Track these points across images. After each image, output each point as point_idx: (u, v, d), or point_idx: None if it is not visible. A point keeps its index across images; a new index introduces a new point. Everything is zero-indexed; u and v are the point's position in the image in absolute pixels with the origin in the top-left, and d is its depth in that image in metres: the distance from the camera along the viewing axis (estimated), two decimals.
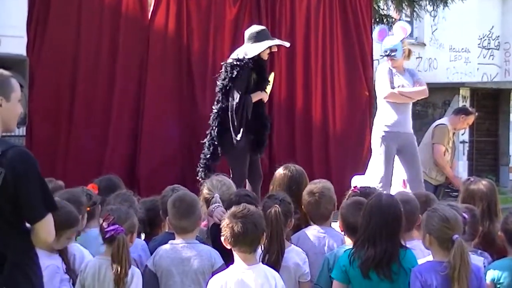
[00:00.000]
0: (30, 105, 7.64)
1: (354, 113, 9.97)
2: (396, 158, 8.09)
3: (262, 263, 4.32)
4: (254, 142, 7.66)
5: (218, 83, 7.53)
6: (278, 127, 9.40)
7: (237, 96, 7.35)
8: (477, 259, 4.55)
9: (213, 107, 7.59)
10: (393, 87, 7.90)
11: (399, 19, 15.34)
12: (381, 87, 7.98)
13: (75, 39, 8.27)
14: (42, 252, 3.76)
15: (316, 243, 4.98)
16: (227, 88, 7.42)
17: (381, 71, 8.09)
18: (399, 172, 8.11)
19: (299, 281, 4.64)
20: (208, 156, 7.53)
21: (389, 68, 8.02)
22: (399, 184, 7.98)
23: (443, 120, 9.59)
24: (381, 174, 7.84)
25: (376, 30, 8.63)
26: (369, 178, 7.77)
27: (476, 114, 9.76)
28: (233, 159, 7.53)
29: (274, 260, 4.44)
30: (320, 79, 9.96)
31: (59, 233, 3.80)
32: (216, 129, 7.49)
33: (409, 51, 8.17)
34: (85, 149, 8.27)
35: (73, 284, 4.32)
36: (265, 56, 7.64)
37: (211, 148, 7.53)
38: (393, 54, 7.98)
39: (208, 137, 7.59)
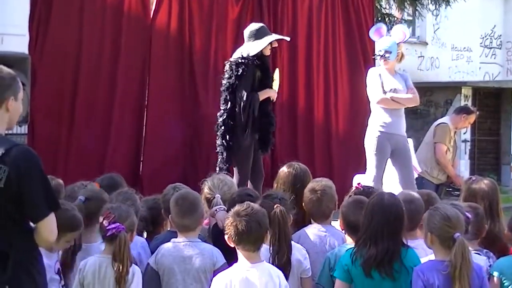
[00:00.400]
0: (32, 104, 7.65)
1: (356, 112, 9.96)
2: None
3: (272, 264, 4.32)
4: (260, 140, 7.62)
5: (223, 82, 7.48)
6: (281, 126, 9.39)
7: (244, 94, 7.33)
8: (479, 258, 4.55)
9: (221, 107, 7.51)
10: (384, 92, 7.87)
11: (401, 18, 15.36)
12: (373, 92, 7.96)
13: (77, 38, 8.28)
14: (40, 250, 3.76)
15: (317, 241, 4.98)
16: (234, 86, 7.38)
17: (371, 75, 8.06)
18: (393, 172, 8.09)
19: (301, 277, 4.65)
20: (225, 158, 7.45)
21: (379, 73, 7.99)
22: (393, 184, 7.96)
23: (445, 119, 9.59)
24: (373, 173, 7.83)
25: (374, 27, 8.56)
26: (366, 177, 7.79)
27: (478, 113, 9.76)
28: (238, 158, 7.49)
29: (285, 261, 4.44)
30: (322, 78, 9.97)
31: (59, 235, 3.80)
32: (226, 128, 7.42)
33: (402, 55, 8.15)
34: (87, 148, 8.28)
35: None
36: (267, 52, 7.63)
37: (226, 152, 7.45)
38: (387, 55, 7.96)
39: (219, 139, 7.51)
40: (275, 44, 7.81)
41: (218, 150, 7.50)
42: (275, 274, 4.16)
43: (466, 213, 4.47)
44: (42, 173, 3.53)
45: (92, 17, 8.36)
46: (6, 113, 3.60)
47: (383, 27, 8.49)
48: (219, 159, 7.48)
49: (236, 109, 7.35)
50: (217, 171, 7.20)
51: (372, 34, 8.42)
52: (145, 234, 5.26)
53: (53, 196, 3.61)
